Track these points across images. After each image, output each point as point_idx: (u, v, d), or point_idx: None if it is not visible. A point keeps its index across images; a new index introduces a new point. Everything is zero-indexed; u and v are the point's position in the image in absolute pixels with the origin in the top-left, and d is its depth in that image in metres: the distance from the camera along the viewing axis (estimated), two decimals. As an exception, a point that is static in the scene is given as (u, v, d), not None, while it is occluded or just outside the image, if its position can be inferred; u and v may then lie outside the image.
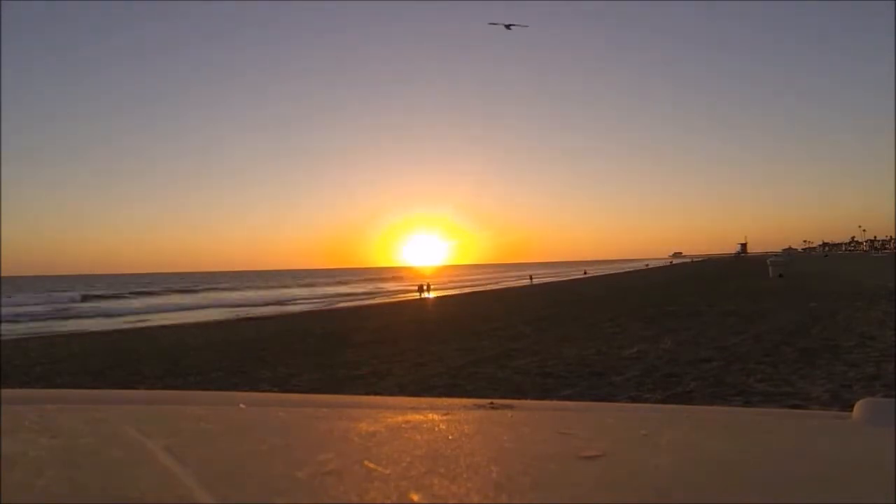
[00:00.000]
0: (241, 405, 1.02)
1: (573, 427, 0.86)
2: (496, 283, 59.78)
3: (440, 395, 6.61)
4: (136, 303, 42.68)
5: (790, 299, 16.91)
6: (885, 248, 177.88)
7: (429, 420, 0.87)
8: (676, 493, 0.58)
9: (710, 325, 11.70)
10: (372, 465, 0.61)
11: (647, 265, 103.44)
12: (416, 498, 0.53)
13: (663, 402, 5.64)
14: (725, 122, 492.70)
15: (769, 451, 0.77)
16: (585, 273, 73.29)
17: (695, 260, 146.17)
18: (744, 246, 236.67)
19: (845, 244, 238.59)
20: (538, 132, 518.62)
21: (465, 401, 1.03)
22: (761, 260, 54.19)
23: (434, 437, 0.77)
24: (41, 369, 9.92)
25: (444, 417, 0.87)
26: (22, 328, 23.23)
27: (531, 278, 56.88)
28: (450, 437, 0.77)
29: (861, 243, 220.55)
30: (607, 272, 74.40)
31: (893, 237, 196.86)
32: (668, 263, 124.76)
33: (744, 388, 6.24)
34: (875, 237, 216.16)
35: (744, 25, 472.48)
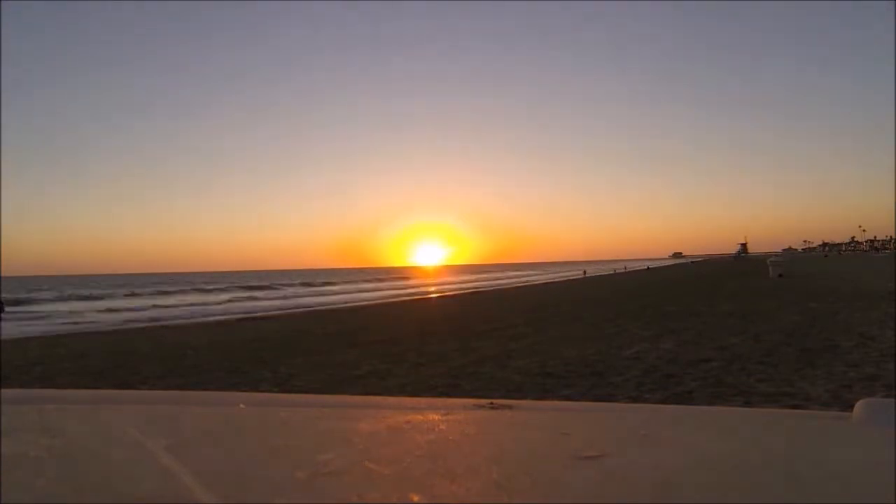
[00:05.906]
0: (241, 405, 1.02)
1: (573, 427, 0.86)
2: (496, 283, 59.73)
3: (440, 395, 6.62)
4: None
5: (790, 299, 16.91)
6: (885, 248, 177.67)
7: (429, 420, 0.87)
8: (676, 493, 0.58)
9: (711, 326, 11.69)
10: (372, 465, 0.61)
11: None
12: (416, 498, 0.53)
13: (663, 402, 5.64)
14: (726, 123, 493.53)
15: (769, 451, 0.77)
16: (584, 273, 72.82)
17: (693, 262, 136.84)
18: (744, 246, 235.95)
19: (845, 244, 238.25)
20: (539, 133, 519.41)
21: (465, 401, 1.03)
22: (761, 260, 54.13)
23: (434, 437, 0.77)
24: (41, 369, 9.90)
25: (444, 417, 0.87)
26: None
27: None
28: (450, 437, 0.77)
29: (861, 243, 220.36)
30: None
31: (893, 237, 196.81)
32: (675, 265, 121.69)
33: (744, 388, 6.24)
34: (875, 237, 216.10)
35: (744, 25, 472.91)
